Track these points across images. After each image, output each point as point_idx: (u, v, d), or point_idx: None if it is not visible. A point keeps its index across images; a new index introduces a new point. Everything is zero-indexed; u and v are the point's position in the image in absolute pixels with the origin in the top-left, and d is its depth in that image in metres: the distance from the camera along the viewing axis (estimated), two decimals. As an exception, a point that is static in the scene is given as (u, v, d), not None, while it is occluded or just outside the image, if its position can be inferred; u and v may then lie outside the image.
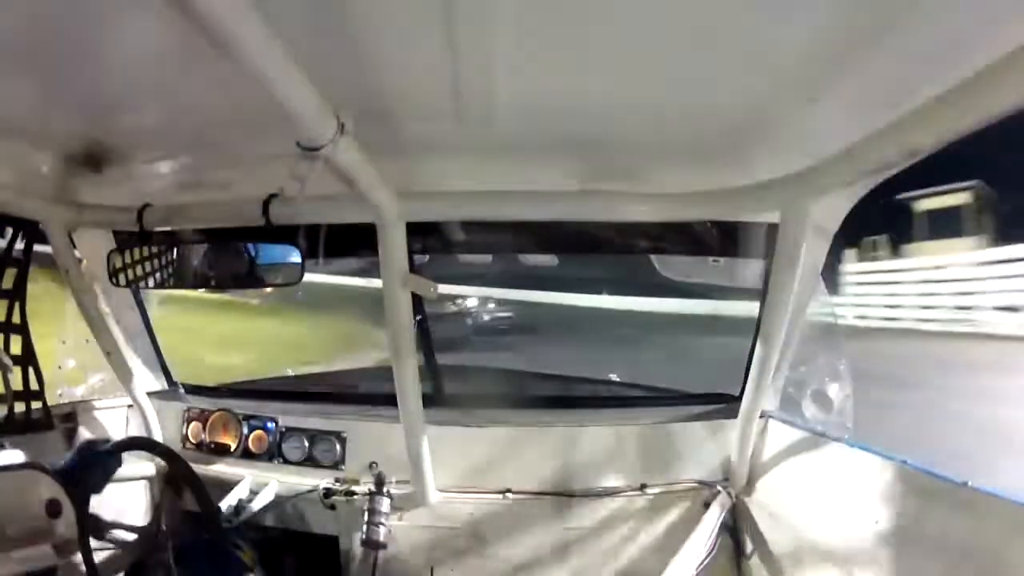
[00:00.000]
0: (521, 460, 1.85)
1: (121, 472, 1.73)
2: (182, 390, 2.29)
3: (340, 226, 1.68)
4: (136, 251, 1.68)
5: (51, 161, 1.50)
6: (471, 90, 1.15)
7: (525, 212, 1.49)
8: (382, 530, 1.74)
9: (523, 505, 1.82)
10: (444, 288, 2.41)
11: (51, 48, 1.03)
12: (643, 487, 1.82)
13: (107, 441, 1.66)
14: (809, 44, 0.94)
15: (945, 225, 15.04)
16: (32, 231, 1.63)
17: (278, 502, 1.87)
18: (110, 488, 1.69)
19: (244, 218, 1.45)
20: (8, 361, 1.63)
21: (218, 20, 0.63)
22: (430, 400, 1.83)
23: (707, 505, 1.78)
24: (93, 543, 1.42)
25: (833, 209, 1.55)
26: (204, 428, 2.04)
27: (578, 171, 1.47)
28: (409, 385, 1.62)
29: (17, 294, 1.68)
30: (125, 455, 1.72)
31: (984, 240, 13.77)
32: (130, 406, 2.07)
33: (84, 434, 1.92)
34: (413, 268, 1.67)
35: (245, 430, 2.00)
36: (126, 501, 1.92)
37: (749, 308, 1.73)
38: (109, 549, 1.68)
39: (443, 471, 1.82)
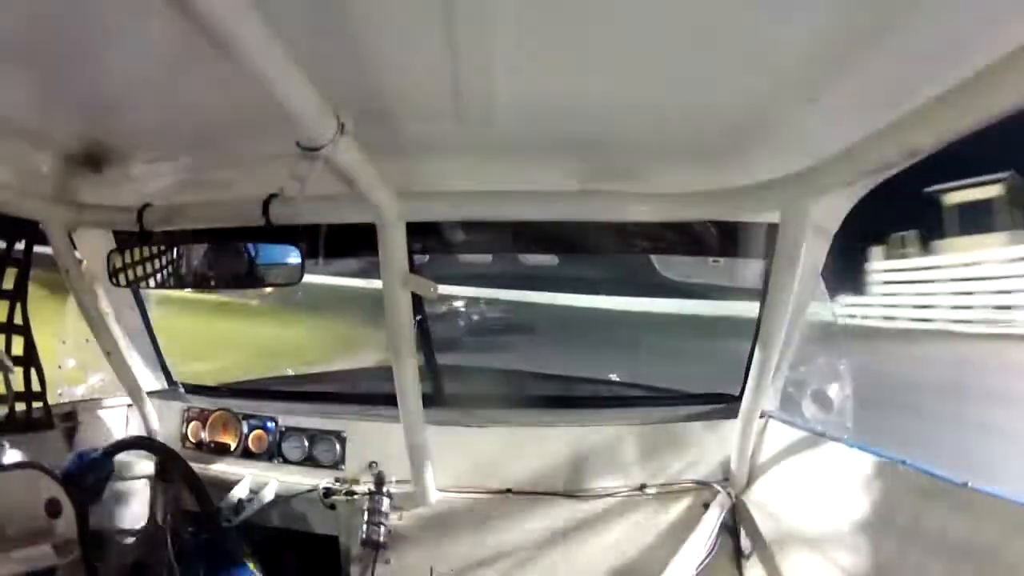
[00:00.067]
0: (521, 460, 1.85)
1: (121, 472, 1.74)
2: (182, 390, 2.29)
3: (340, 226, 1.68)
4: (136, 251, 1.68)
5: (51, 161, 1.50)
6: (471, 90, 1.15)
7: (525, 212, 1.49)
8: (382, 530, 1.74)
9: (523, 505, 1.82)
10: (444, 288, 2.41)
11: (51, 48, 1.03)
12: (643, 487, 1.82)
13: (107, 441, 1.66)
14: (809, 44, 0.94)
15: (977, 219, 14.18)
16: (32, 231, 1.63)
17: (278, 502, 1.87)
18: (110, 488, 1.69)
19: (244, 218, 1.45)
20: (9, 362, 1.63)
21: (218, 20, 0.63)
22: (430, 400, 1.83)
23: (707, 505, 1.78)
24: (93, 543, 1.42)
25: (833, 209, 1.55)
26: (204, 428, 2.04)
27: (578, 171, 1.47)
28: (409, 385, 1.62)
29: (18, 294, 1.68)
30: (124, 455, 1.73)
31: (1019, 235, 12.96)
32: (130, 406, 2.07)
33: (84, 434, 1.92)
34: (413, 268, 1.67)
35: (245, 430, 2.00)
36: (126, 501, 1.92)
37: (749, 308, 1.73)
38: (109, 549, 1.68)
39: (443, 471, 1.82)
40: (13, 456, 1.37)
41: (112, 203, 1.61)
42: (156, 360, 2.24)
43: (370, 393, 2.31)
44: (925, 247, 15.20)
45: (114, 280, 1.69)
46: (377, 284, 1.57)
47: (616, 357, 7.59)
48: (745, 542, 1.78)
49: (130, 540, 1.72)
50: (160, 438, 1.99)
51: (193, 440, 2.05)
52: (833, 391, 1.78)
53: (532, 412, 2.06)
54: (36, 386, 1.72)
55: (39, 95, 1.21)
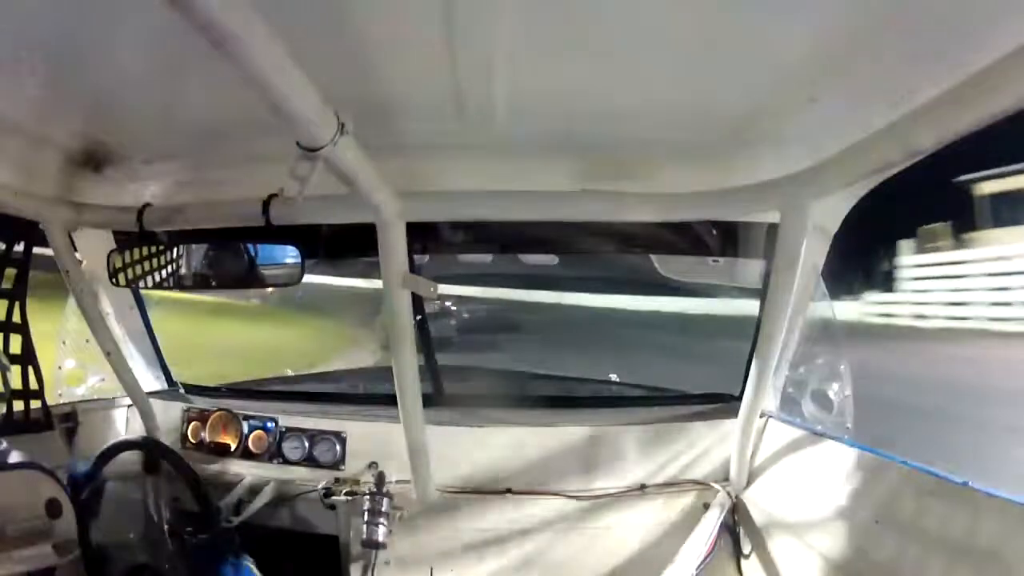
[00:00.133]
0: (521, 460, 1.85)
1: (120, 472, 1.74)
2: (182, 390, 2.29)
3: (340, 226, 1.68)
4: (136, 251, 1.68)
5: (51, 161, 1.50)
6: (471, 90, 1.15)
7: (525, 212, 1.49)
8: (382, 530, 1.73)
9: (523, 505, 1.82)
10: (444, 288, 2.41)
11: (51, 48, 1.03)
12: (643, 487, 1.82)
13: (107, 442, 1.66)
14: (809, 44, 0.94)
15: (1012, 210, 13.38)
16: (32, 231, 1.63)
17: (278, 502, 1.87)
18: (110, 488, 1.69)
19: (244, 218, 1.45)
20: (6, 361, 1.63)
21: (218, 20, 0.63)
22: (430, 400, 1.83)
23: (707, 505, 1.78)
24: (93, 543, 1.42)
25: (833, 209, 1.55)
26: (204, 428, 2.04)
27: (578, 171, 1.47)
28: (409, 385, 1.62)
29: (17, 294, 1.68)
30: (124, 455, 1.73)
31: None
32: (130, 406, 2.07)
33: (84, 434, 1.92)
34: (413, 268, 1.67)
35: (245, 430, 2.00)
36: (126, 501, 1.92)
37: (749, 308, 1.73)
38: (109, 549, 1.68)
39: (443, 471, 1.82)
40: (13, 456, 1.37)
41: (112, 203, 1.61)
42: (156, 360, 2.24)
43: (370, 393, 2.32)
44: (958, 240, 14.18)
45: (114, 280, 1.69)
46: (376, 283, 1.57)
47: (616, 357, 7.59)
48: (745, 542, 1.78)
49: (130, 541, 1.72)
50: (160, 438, 1.99)
51: (193, 440, 2.05)
52: (833, 391, 1.79)
53: (532, 412, 2.06)
54: (34, 384, 1.72)
55: (39, 95, 1.21)
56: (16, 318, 1.68)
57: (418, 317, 1.91)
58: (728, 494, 1.79)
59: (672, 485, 1.83)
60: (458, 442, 1.87)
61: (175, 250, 1.70)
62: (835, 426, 1.75)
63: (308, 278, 1.65)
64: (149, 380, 2.19)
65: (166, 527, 1.80)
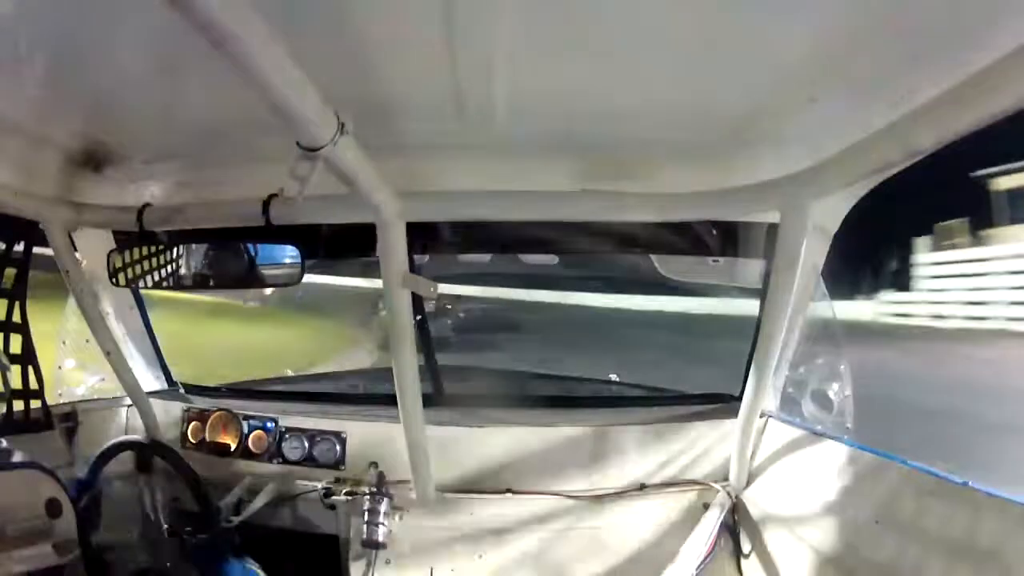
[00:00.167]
0: (521, 460, 1.85)
1: (120, 472, 1.74)
2: (182, 390, 2.29)
3: (340, 226, 1.68)
4: (136, 251, 1.68)
5: (51, 161, 1.50)
6: (471, 90, 1.15)
7: (525, 212, 1.49)
8: (382, 530, 1.73)
9: (523, 505, 1.82)
10: (444, 288, 2.41)
11: (51, 48, 1.03)
12: (643, 487, 1.82)
13: (107, 441, 1.66)
14: (809, 44, 0.94)
15: None
16: (32, 231, 1.63)
17: (278, 502, 1.87)
18: (109, 488, 1.69)
19: (244, 218, 1.45)
20: (6, 361, 1.63)
21: (218, 20, 0.63)
22: (430, 400, 1.83)
23: (707, 505, 1.78)
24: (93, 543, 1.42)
25: (833, 209, 1.55)
26: (204, 428, 2.04)
27: (578, 171, 1.47)
28: (409, 385, 1.62)
29: (17, 294, 1.68)
30: (124, 455, 1.73)
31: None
32: (130, 406, 2.07)
33: (84, 434, 1.92)
34: (413, 268, 1.67)
35: (245, 430, 2.00)
36: (125, 501, 1.93)
37: (749, 308, 1.73)
38: (109, 549, 1.68)
39: (443, 471, 1.82)
40: (13, 456, 1.37)
41: (112, 203, 1.61)
42: (156, 360, 2.24)
43: (370, 393, 2.32)
44: (975, 237, 13.72)
45: (114, 280, 1.69)
46: (376, 283, 1.57)
47: (616, 356, 7.60)
48: (745, 542, 1.78)
49: (130, 540, 1.72)
50: (160, 438, 1.99)
51: (193, 440, 2.05)
52: (833, 391, 1.79)
53: (532, 412, 2.06)
54: (34, 384, 1.72)
55: (39, 95, 1.21)
56: (16, 318, 1.69)
57: (418, 317, 1.91)
58: (728, 494, 1.79)
59: (672, 485, 1.83)
60: (458, 442, 1.87)
61: (175, 250, 1.69)
62: (835, 426, 1.75)
63: (308, 278, 1.65)
64: (149, 380, 2.19)
65: (166, 527, 1.80)
